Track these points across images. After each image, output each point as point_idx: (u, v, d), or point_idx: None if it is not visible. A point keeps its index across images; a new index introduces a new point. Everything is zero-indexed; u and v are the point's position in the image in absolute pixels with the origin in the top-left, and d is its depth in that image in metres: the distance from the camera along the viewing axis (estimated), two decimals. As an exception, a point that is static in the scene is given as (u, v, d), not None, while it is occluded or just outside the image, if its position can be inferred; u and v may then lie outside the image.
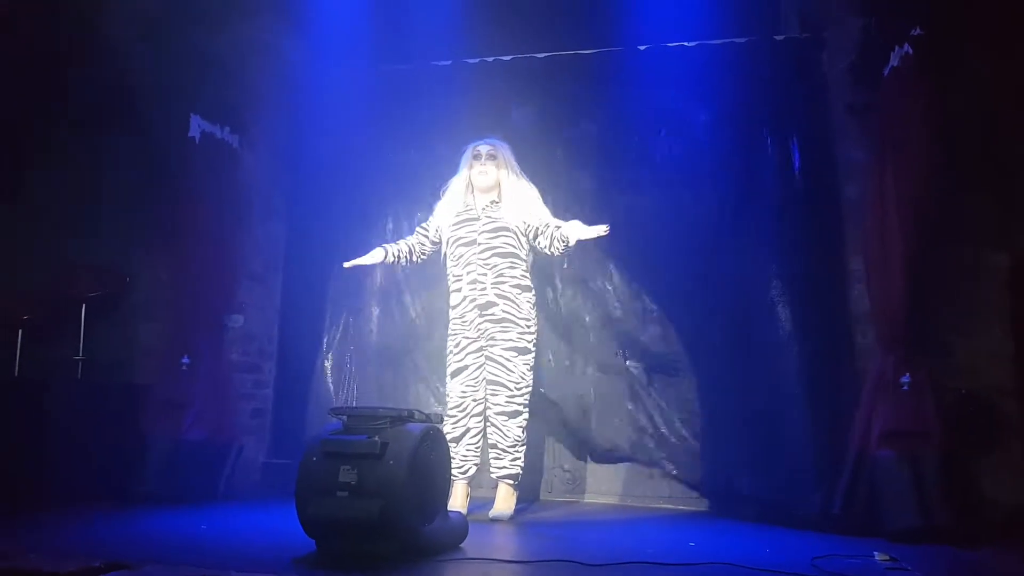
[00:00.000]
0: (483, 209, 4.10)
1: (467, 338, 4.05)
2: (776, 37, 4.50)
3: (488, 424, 4.02)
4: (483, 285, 4.00)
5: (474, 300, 4.02)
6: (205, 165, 4.55)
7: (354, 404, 4.72)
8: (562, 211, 4.66)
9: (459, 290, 4.07)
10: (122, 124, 4.76)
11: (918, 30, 3.65)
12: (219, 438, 4.44)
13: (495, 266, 4.01)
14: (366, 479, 2.74)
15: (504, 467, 3.96)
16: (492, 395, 3.98)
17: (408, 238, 4.28)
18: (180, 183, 4.55)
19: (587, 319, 4.69)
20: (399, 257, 4.19)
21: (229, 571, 2.48)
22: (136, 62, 4.57)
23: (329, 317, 4.97)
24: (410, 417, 2.97)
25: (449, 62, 4.91)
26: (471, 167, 4.14)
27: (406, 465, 2.77)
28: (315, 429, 4.42)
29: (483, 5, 4.83)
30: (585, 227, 3.83)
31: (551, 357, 4.65)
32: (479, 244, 4.04)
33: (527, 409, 4.01)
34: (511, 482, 3.98)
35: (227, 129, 4.68)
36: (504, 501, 3.96)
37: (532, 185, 4.17)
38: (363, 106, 4.99)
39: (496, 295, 3.99)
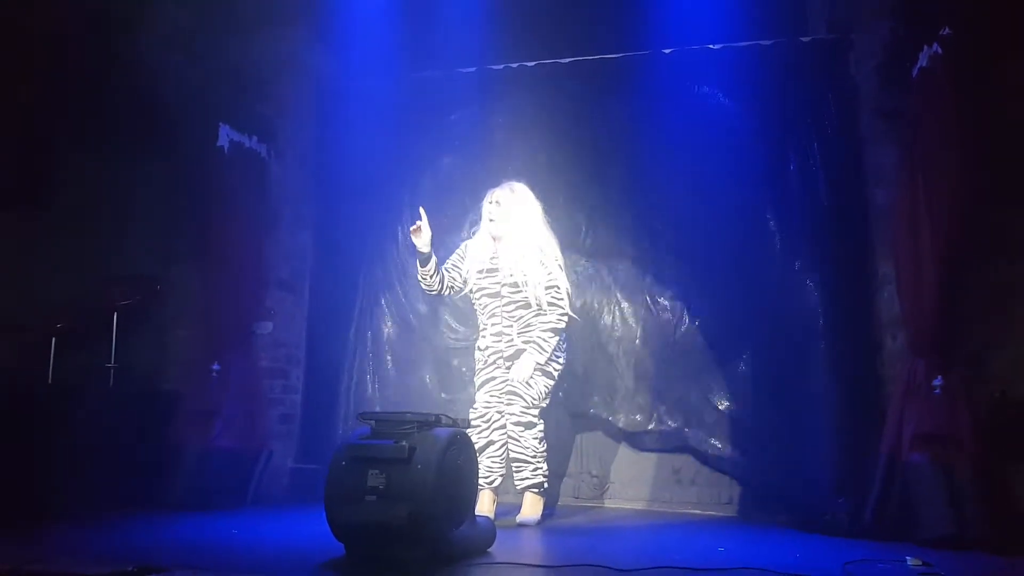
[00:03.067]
0: (502, 260, 4.07)
1: (495, 352, 4.05)
2: (802, 39, 4.46)
3: (508, 436, 4.00)
4: (510, 337, 4.02)
5: (500, 353, 4.04)
6: (234, 175, 4.62)
7: (381, 409, 4.73)
8: (589, 213, 4.69)
9: (484, 338, 4.11)
10: (154, 135, 4.83)
11: (947, 30, 3.60)
12: (248, 444, 4.48)
13: (520, 318, 4.02)
14: (394, 484, 2.75)
15: (527, 477, 3.95)
16: (508, 404, 3.98)
17: (443, 269, 4.17)
18: (209, 193, 4.61)
19: (612, 319, 4.67)
20: (437, 279, 4.10)
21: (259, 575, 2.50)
22: (167, 73, 4.62)
23: (356, 323, 4.99)
24: (437, 422, 2.97)
25: (474, 69, 4.92)
26: (487, 215, 4.10)
27: (434, 470, 2.78)
28: (343, 434, 4.48)
29: (507, 12, 4.84)
30: (522, 371, 3.92)
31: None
32: (502, 297, 4.05)
33: (542, 421, 4.01)
34: (536, 491, 3.99)
35: (255, 139, 4.75)
36: (531, 507, 3.96)
37: (542, 228, 4.10)
38: (390, 115, 5.01)
39: (523, 342, 4.00)
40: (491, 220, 4.06)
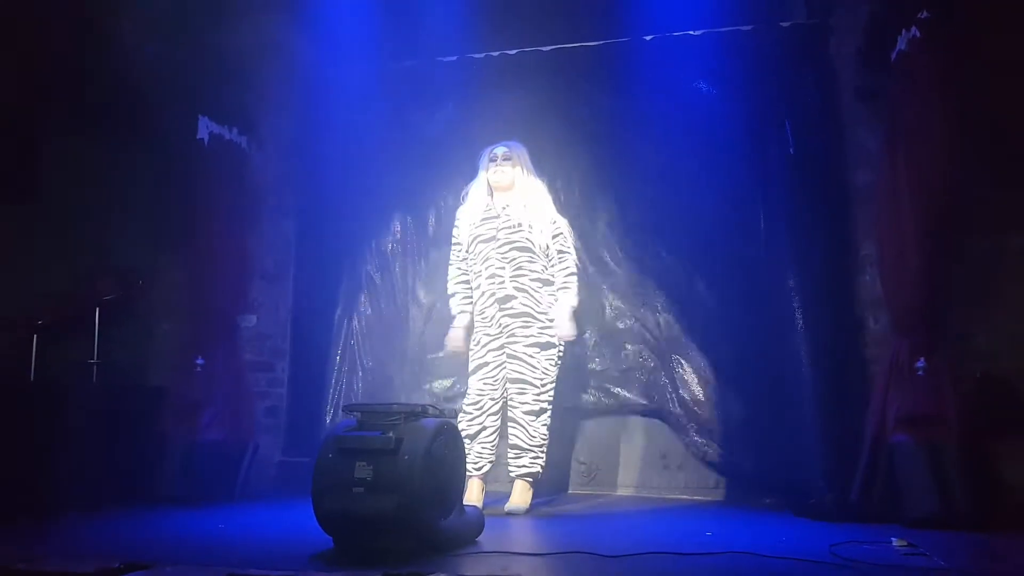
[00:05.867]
0: (503, 208, 4.12)
1: (488, 335, 4.06)
2: (782, 23, 4.46)
3: (511, 423, 3.98)
4: (501, 279, 4.03)
5: (493, 294, 4.04)
6: (214, 166, 4.59)
7: (368, 401, 4.73)
8: (572, 203, 4.68)
9: (479, 286, 4.11)
10: (133, 127, 4.79)
11: (925, 13, 3.61)
12: (235, 438, 4.47)
13: (513, 259, 4.04)
14: (382, 475, 2.75)
15: (524, 465, 3.93)
16: (519, 393, 3.95)
17: (457, 287, 4.25)
18: (191, 185, 4.58)
19: (591, 306, 4.68)
20: (469, 310, 4.21)
21: (248, 569, 2.49)
22: (145, 64, 4.58)
23: (341, 314, 4.98)
24: (424, 413, 2.97)
25: (455, 58, 4.90)
26: (488, 169, 4.18)
27: (421, 460, 2.78)
28: (330, 426, 4.47)
29: (488, 1, 4.81)
30: (566, 327, 3.99)
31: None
32: (498, 240, 4.07)
33: (551, 406, 4.00)
34: (531, 480, 3.97)
35: (235, 130, 4.72)
36: (520, 496, 3.95)
37: (544, 186, 4.25)
38: (371, 103, 4.98)
39: (515, 288, 4.01)
40: (496, 168, 4.13)
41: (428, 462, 2.80)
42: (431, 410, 3.03)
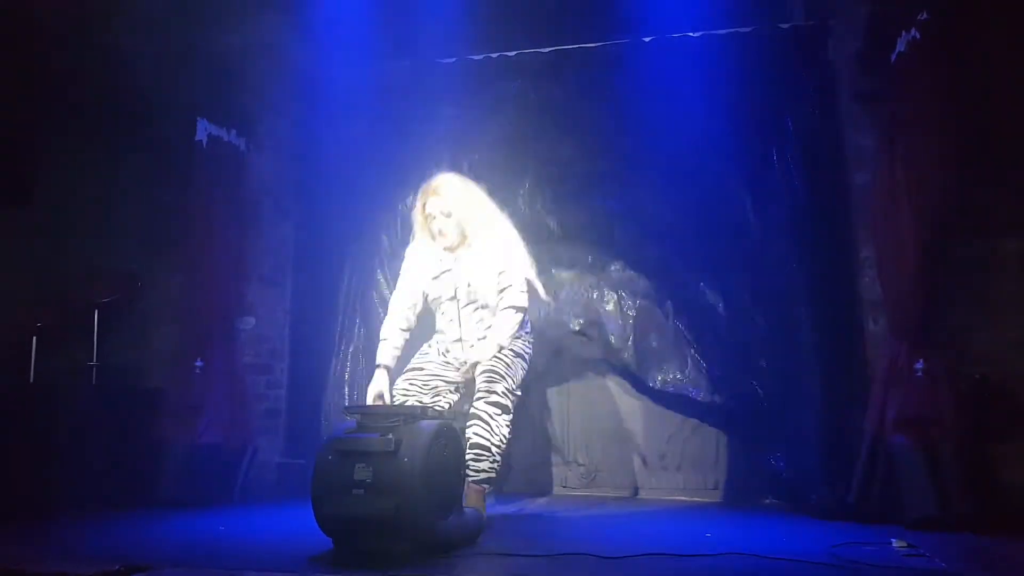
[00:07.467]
0: (455, 261, 3.73)
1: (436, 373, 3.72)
2: (781, 25, 4.47)
3: (473, 420, 3.49)
4: (470, 343, 3.70)
5: (457, 357, 3.73)
6: (213, 169, 4.59)
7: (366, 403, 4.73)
8: (571, 203, 4.68)
9: (440, 343, 3.80)
10: (132, 129, 4.80)
11: (925, 15, 3.61)
12: (234, 440, 4.46)
13: (480, 320, 3.69)
14: (381, 477, 2.75)
15: (483, 470, 3.45)
16: (488, 382, 3.50)
17: (396, 335, 3.74)
18: (189, 187, 4.58)
19: (590, 306, 4.69)
20: (407, 335, 3.79)
21: (247, 571, 2.49)
22: (143, 67, 4.59)
23: (340, 317, 4.97)
24: (423, 415, 2.97)
25: (454, 59, 4.90)
26: (428, 222, 3.73)
27: (420, 462, 2.78)
28: (329, 428, 4.47)
29: (487, 1, 4.82)
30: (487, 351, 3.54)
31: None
32: (459, 299, 3.71)
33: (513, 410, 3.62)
34: (489, 485, 3.53)
35: (234, 132, 4.72)
36: (478, 501, 3.45)
37: (493, 214, 3.78)
38: (370, 105, 4.98)
39: (477, 339, 3.67)
40: (437, 224, 3.68)
41: (427, 464, 2.80)
42: (430, 412, 3.04)
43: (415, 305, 3.80)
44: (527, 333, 3.78)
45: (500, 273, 3.67)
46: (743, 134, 4.44)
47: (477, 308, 3.70)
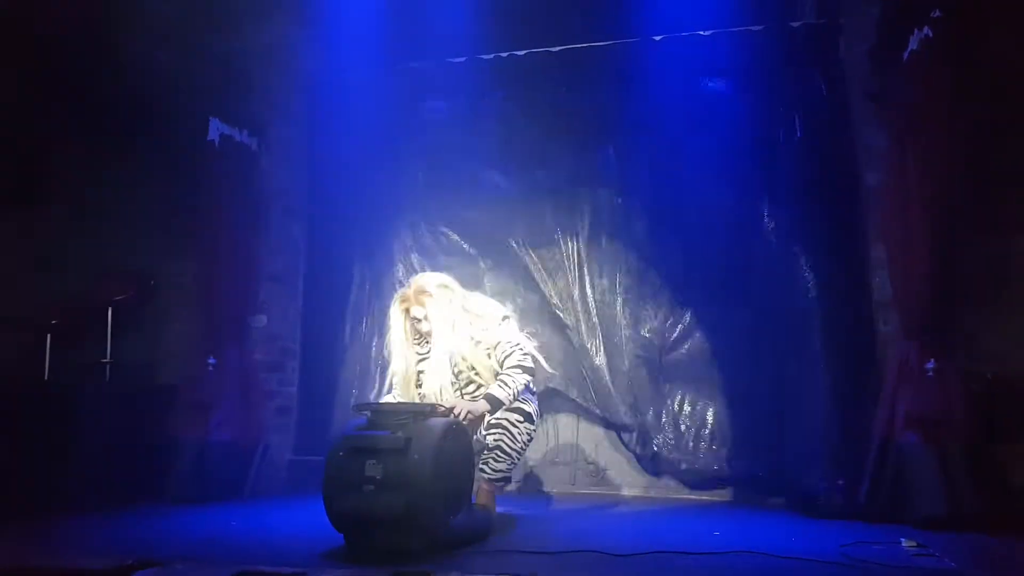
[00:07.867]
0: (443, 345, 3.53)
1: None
2: (792, 24, 4.45)
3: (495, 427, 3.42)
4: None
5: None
6: (224, 168, 4.62)
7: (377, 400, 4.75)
8: (583, 199, 4.70)
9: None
10: (144, 130, 4.83)
11: (938, 12, 3.59)
12: (245, 437, 4.50)
13: (471, 393, 3.52)
14: (391, 474, 2.77)
15: (500, 471, 3.43)
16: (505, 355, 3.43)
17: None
18: (201, 187, 4.61)
19: (608, 307, 4.69)
20: None
21: (259, 567, 2.51)
22: (156, 68, 4.62)
23: (350, 314, 5.00)
24: (432, 412, 2.99)
25: (464, 59, 4.91)
26: (416, 326, 3.57)
27: (430, 459, 2.79)
28: (339, 425, 4.49)
29: (497, 1, 4.82)
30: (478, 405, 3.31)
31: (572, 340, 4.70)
32: (451, 383, 3.55)
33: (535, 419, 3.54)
34: (504, 484, 3.53)
35: (245, 132, 4.74)
36: (489, 500, 3.46)
37: (474, 322, 3.59)
38: (380, 105, 4.99)
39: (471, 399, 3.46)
40: (426, 332, 3.54)
41: (437, 461, 2.81)
42: (440, 409, 3.05)
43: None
44: (534, 396, 3.65)
45: (496, 345, 3.51)
46: (754, 133, 4.44)
47: (468, 384, 3.55)
